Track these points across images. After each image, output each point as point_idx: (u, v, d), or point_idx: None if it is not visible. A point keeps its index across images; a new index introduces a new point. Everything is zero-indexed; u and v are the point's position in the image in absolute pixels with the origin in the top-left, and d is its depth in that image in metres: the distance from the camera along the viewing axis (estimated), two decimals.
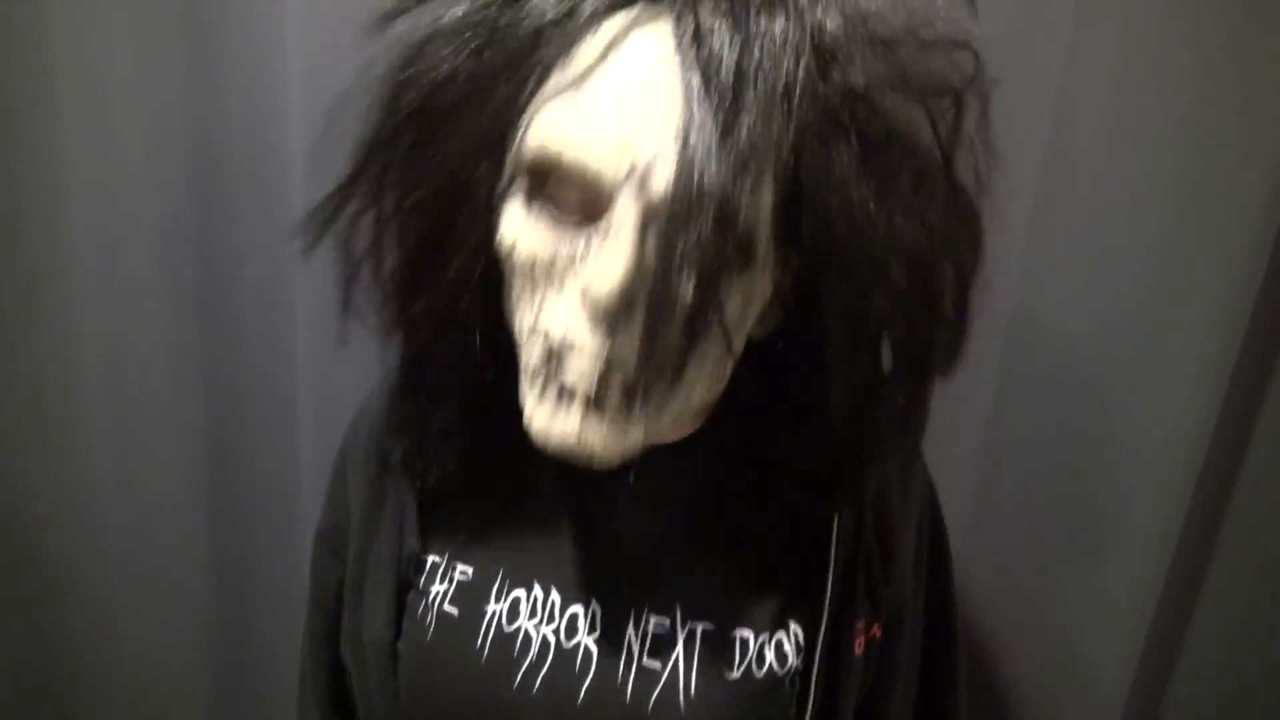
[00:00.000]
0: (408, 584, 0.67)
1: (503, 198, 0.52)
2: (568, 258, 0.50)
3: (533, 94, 0.50)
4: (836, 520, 0.63)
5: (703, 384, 0.53)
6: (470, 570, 0.65)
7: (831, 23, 0.48)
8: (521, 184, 0.51)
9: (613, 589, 0.63)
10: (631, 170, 0.46)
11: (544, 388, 0.52)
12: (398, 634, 0.66)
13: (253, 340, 1.04)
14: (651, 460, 0.62)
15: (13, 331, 1.01)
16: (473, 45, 0.51)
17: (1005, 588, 0.94)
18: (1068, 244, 0.83)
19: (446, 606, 0.64)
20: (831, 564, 0.63)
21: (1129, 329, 0.83)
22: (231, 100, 0.95)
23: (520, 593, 0.64)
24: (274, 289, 1.01)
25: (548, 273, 0.51)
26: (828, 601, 0.63)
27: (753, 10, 0.46)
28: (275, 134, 0.94)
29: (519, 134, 0.50)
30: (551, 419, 0.51)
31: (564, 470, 0.64)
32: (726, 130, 0.44)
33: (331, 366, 0.98)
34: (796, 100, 0.46)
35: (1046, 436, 0.89)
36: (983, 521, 0.93)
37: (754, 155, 0.45)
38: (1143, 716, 0.92)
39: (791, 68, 0.45)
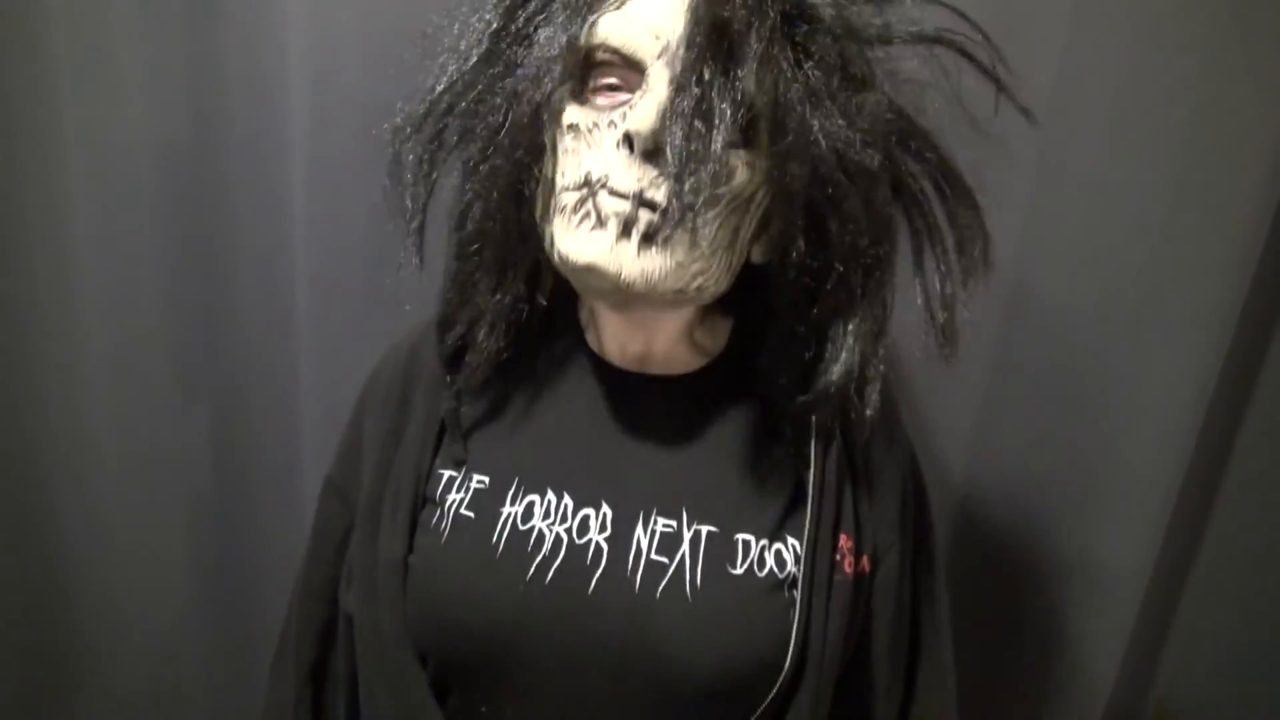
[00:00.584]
0: (424, 501, 0.70)
1: (559, 93, 0.63)
2: (608, 123, 0.61)
3: (585, 18, 0.63)
4: (814, 441, 0.68)
5: (712, 258, 0.62)
6: (487, 479, 0.69)
7: None
8: (573, 79, 0.63)
9: (623, 495, 0.67)
10: (664, 49, 0.60)
11: (580, 218, 0.60)
12: (409, 550, 0.69)
13: (254, 324, 1.05)
14: (662, 388, 0.70)
15: (14, 324, 1.01)
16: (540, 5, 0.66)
17: (1000, 551, 0.95)
18: (1066, 210, 0.85)
19: (463, 510, 0.68)
20: (812, 474, 0.67)
21: (1127, 296, 0.84)
22: (232, 82, 0.96)
23: (534, 497, 0.67)
24: (276, 268, 1.01)
25: (591, 137, 0.61)
26: (809, 512, 0.67)
27: None
28: (276, 114, 0.95)
29: (579, 38, 0.62)
30: (585, 241, 0.60)
31: (579, 393, 0.71)
32: (725, 24, 0.58)
33: (333, 353, 0.99)
34: (770, 23, 0.59)
35: (1044, 401, 0.90)
36: (980, 484, 0.95)
37: (749, 43, 0.58)
38: (1135, 680, 0.94)
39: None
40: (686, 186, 0.56)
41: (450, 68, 0.67)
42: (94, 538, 1.08)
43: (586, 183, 0.60)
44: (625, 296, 0.61)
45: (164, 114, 0.96)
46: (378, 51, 0.89)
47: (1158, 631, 0.93)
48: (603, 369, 0.72)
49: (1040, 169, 0.85)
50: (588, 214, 0.60)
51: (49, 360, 1.02)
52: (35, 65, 0.93)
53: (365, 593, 0.70)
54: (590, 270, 0.60)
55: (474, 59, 0.66)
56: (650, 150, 0.58)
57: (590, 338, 0.73)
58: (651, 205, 0.58)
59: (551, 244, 0.63)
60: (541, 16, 0.65)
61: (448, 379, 0.71)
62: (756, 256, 0.67)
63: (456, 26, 0.68)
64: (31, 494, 1.06)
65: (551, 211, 0.63)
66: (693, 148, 0.57)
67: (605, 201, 0.59)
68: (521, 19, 0.66)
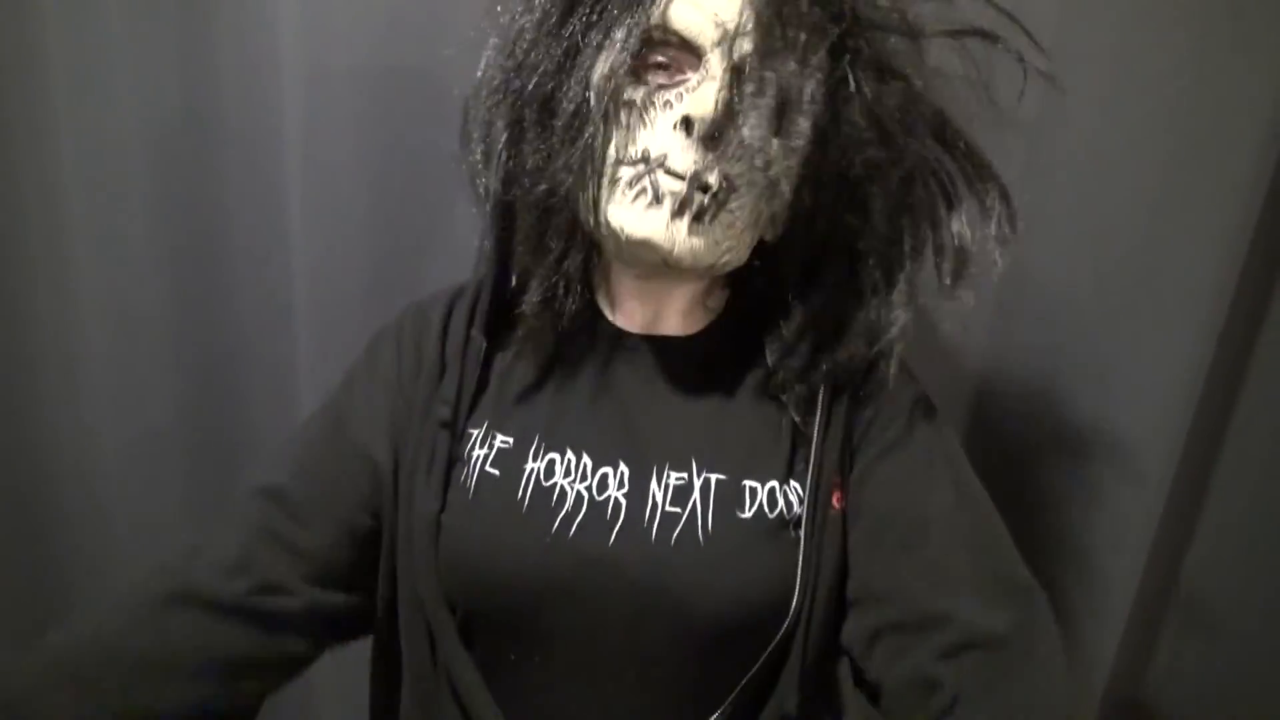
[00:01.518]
0: (456, 458, 0.74)
1: (623, 59, 0.65)
2: (664, 104, 0.65)
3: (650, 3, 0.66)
4: (820, 395, 0.72)
5: (741, 235, 0.68)
6: (510, 439, 0.73)
7: None
8: (631, 55, 0.65)
9: (637, 453, 0.71)
10: (723, 36, 0.63)
11: (637, 194, 0.64)
12: (443, 508, 0.72)
13: (251, 318, 1.04)
14: (671, 349, 0.75)
15: (11, 322, 1.02)
16: None
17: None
18: (1059, 191, 0.87)
19: (488, 468, 0.72)
20: (815, 426, 0.72)
21: (1121, 275, 0.85)
22: (225, 75, 0.96)
23: (555, 455, 0.72)
24: (272, 262, 1.01)
25: (648, 114, 0.65)
26: (813, 455, 0.71)
27: None
28: (270, 106, 0.95)
29: (644, 16, 0.65)
30: (642, 217, 0.64)
31: (594, 356, 0.76)
32: (785, 21, 0.62)
33: (331, 345, 0.99)
34: (827, 28, 0.63)
35: (1038, 384, 0.92)
36: (974, 467, 0.93)
37: (809, 40, 0.62)
38: (1133, 662, 0.95)
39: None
40: (741, 172, 0.62)
41: (523, 44, 0.69)
42: (94, 532, 1.08)
43: (644, 159, 0.64)
44: (668, 267, 0.67)
45: (157, 109, 0.96)
46: (370, 42, 0.91)
47: (1155, 614, 0.94)
48: (615, 334, 0.76)
49: (1031, 151, 0.87)
50: (644, 190, 0.64)
51: (47, 357, 1.03)
52: (29, 62, 0.93)
53: (402, 547, 0.72)
54: (644, 244, 0.65)
55: (543, 40, 0.68)
56: (707, 135, 0.62)
57: (602, 303, 0.78)
58: (705, 188, 0.63)
59: (595, 211, 0.67)
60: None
61: (484, 344, 0.75)
62: (768, 234, 0.73)
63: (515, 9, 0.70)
64: (32, 489, 1.07)
65: (603, 181, 0.66)
66: (748, 137, 0.61)
67: (663, 180, 0.64)
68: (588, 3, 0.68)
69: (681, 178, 0.63)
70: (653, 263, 0.67)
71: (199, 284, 1.02)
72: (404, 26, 0.91)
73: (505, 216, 0.73)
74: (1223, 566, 0.91)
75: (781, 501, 0.70)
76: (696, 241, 0.65)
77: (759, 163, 0.61)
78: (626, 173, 0.65)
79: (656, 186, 0.64)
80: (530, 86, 0.68)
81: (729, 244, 0.67)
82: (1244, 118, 0.77)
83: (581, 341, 0.77)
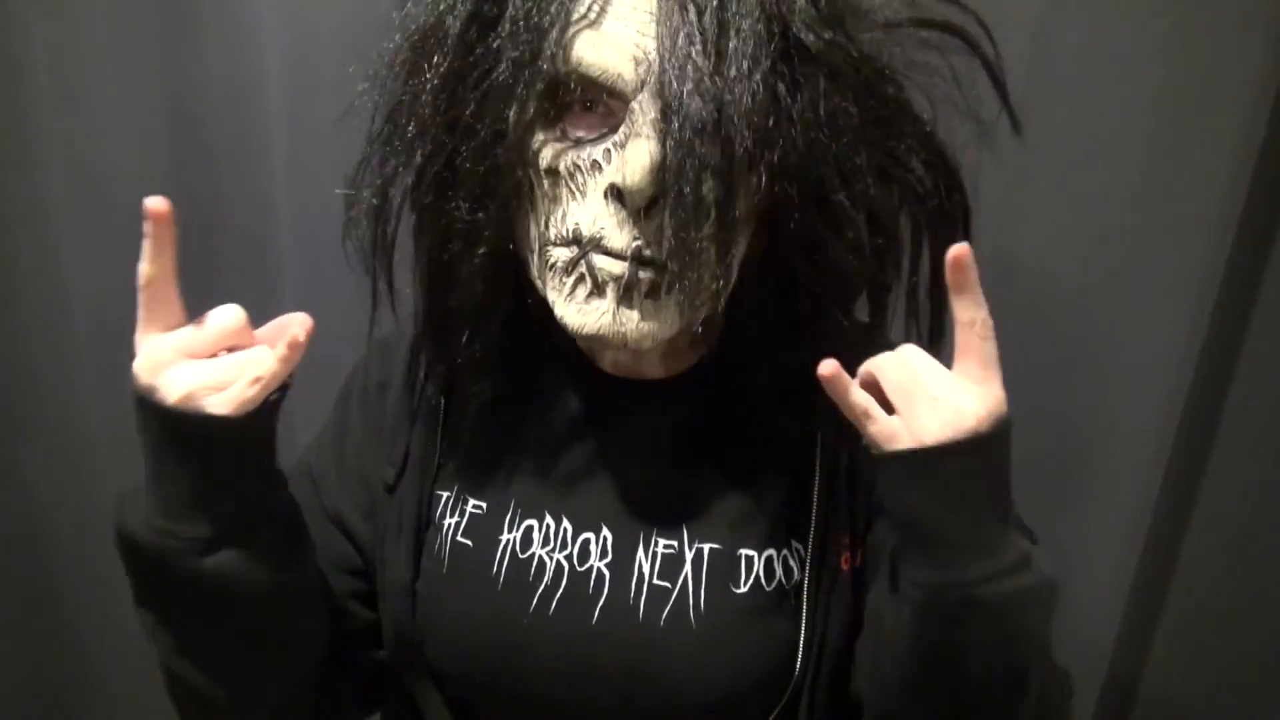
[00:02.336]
0: (427, 523, 0.69)
1: (528, 126, 0.56)
2: (590, 165, 0.55)
3: (554, 29, 0.55)
4: (819, 442, 0.66)
5: (711, 285, 0.57)
6: (484, 504, 0.68)
7: None
8: (544, 110, 0.56)
9: (622, 517, 0.66)
10: (647, 76, 0.53)
11: (575, 283, 0.57)
12: (416, 575, 0.68)
13: (235, 281, 1.01)
14: (652, 396, 0.68)
15: (4, 337, 1.01)
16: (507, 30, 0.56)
17: None
18: (1047, 174, 0.85)
19: (460, 538, 0.67)
20: (816, 480, 0.66)
21: (1108, 261, 0.84)
22: (211, 81, 0.95)
23: (532, 522, 0.66)
24: (260, 265, 1.00)
25: (573, 182, 0.56)
26: (814, 514, 0.65)
27: None
28: (254, 108, 0.95)
29: (545, 64, 0.54)
30: (584, 311, 0.56)
31: (571, 406, 0.69)
32: (721, 48, 0.52)
33: (322, 355, 0.95)
34: (772, 27, 0.53)
35: (1028, 372, 0.86)
36: None
37: (747, 66, 0.52)
38: (1132, 648, 0.95)
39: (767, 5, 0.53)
40: (694, 242, 0.53)
41: (402, 117, 0.61)
42: (88, 542, 1.08)
43: (576, 239, 0.56)
44: (634, 352, 0.59)
45: (143, 122, 0.95)
46: (355, 56, 0.85)
47: (1152, 602, 0.94)
48: (593, 377, 0.69)
49: (1015, 143, 0.81)
50: (582, 278, 0.56)
51: (41, 371, 1.02)
52: (13, 82, 0.93)
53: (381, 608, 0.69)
54: (595, 339, 0.57)
55: (429, 106, 0.59)
56: (640, 208, 0.54)
57: (580, 347, 0.70)
58: (650, 263, 0.55)
59: (545, 297, 0.59)
60: (499, 46, 0.56)
61: (443, 400, 0.70)
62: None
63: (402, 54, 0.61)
64: (27, 499, 1.06)
65: (541, 264, 0.59)
66: (696, 199, 0.52)
67: (600, 263, 0.55)
68: (479, 52, 0.57)
69: (622, 257, 0.55)
70: (612, 350, 0.60)
71: (190, 294, 0.99)
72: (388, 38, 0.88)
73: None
74: (1217, 560, 0.91)
75: (780, 570, 0.65)
76: (652, 325, 0.57)
77: (708, 227, 0.53)
78: (560, 255, 0.57)
79: (595, 273, 0.55)
80: (434, 166, 0.59)
81: (700, 300, 0.57)
82: (1226, 106, 0.76)
83: (557, 387, 0.70)
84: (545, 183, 0.57)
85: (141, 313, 0.52)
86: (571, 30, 0.54)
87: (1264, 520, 0.87)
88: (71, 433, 1.05)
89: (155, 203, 0.51)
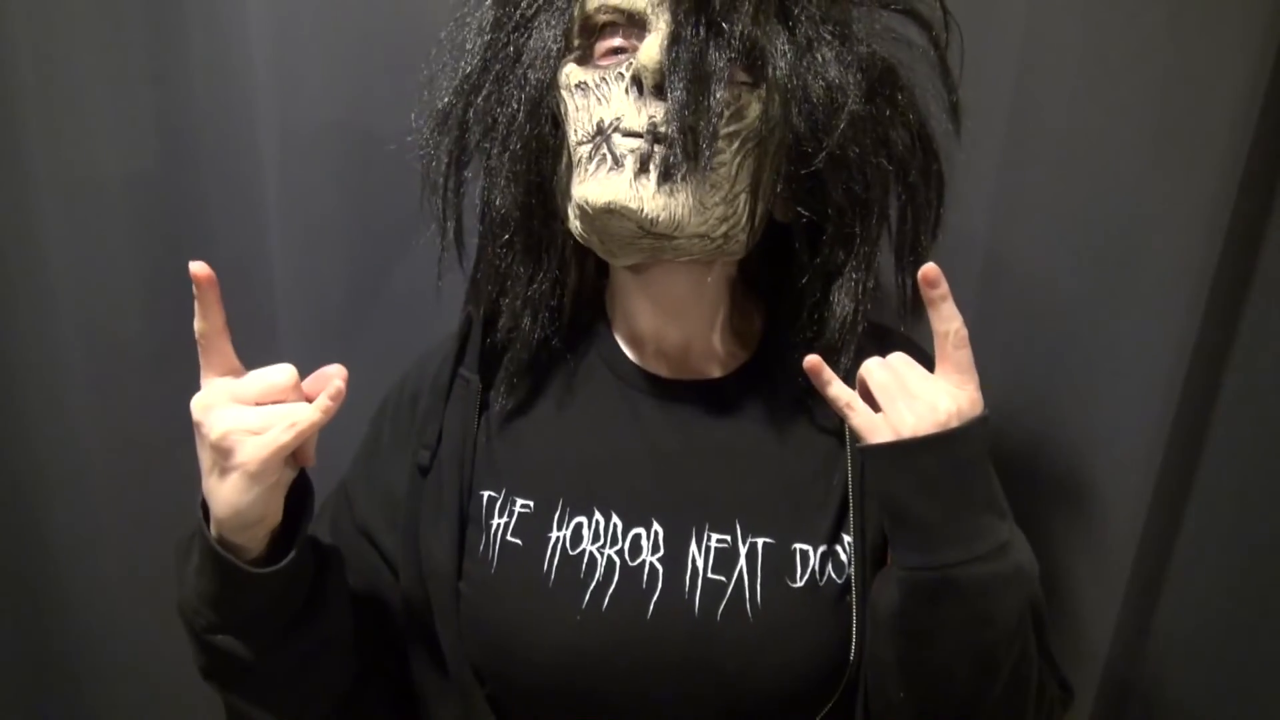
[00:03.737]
0: (466, 522, 0.68)
1: (560, 51, 0.64)
2: (615, 76, 0.61)
3: None
4: (849, 439, 0.67)
5: (735, 201, 0.62)
6: (531, 503, 0.67)
7: None
8: (578, 48, 0.64)
9: (673, 510, 0.66)
10: (661, 1, 0.60)
11: (597, 164, 0.60)
12: (458, 574, 0.67)
13: (232, 325, 1.01)
14: (703, 394, 0.69)
15: None
16: None
17: None
18: (1036, 178, 0.85)
19: (509, 538, 0.66)
20: (849, 477, 0.67)
21: (1100, 261, 0.84)
22: (199, 104, 0.95)
23: (582, 519, 0.66)
24: (252, 272, 1.00)
25: (598, 90, 0.62)
26: (851, 509, 0.66)
27: None
28: (242, 109, 0.94)
29: (575, 8, 0.64)
30: (603, 183, 0.59)
31: (616, 405, 0.69)
32: None
33: (313, 352, 0.97)
34: None
35: (1021, 372, 0.91)
36: None
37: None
38: (1128, 651, 0.95)
39: None
40: (692, 111, 0.57)
41: (457, 68, 0.68)
42: (79, 542, 1.07)
43: (599, 130, 0.60)
44: (652, 239, 0.60)
45: (132, 142, 0.95)
46: (342, 71, 0.90)
47: (1149, 597, 0.94)
48: (640, 377, 0.70)
49: (1009, 139, 0.86)
50: (604, 158, 0.60)
51: (34, 386, 1.01)
52: (4, 112, 0.92)
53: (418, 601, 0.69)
54: (611, 210, 0.59)
55: (478, 55, 0.67)
56: (659, 84, 0.58)
57: (624, 344, 0.71)
58: (666, 139, 0.58)
59: (572, 208, 0.63)
60: (537, 0, 0.65)
61: (481, 384, 0.70)
62: (779, 215, 0.67)
63: (455, 28, 0.68)
64: (14, 500, 1.04)
65: (572, 176, 0.63)
66: (697, 71, 0.57)
67: (619, 142, 0.59)
68: (518, 7, 0.66)
69: (638, 134, 0.59)
70: (631, 234, 0.61)
71: (180, 338, 0.98)
72: (374, 79, 0.91)
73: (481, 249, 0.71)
74: (1213, 555, 0.91)
75: (831, 565, 0.65)
76: (670, 200, 0.59)
77: (712, 100, 0.58)
78: (585, 150, 0.61)
79: (614, 149, 0.60)
80: (476, 114, 0.67)
81: (721, 211, 0.62)
82: (1218, 103, 0.76)
83: (604, 388, 0.70)
84: (576, 96, 0.62)
85: (201, 360, 0.58)
86: None
87: (1255, 526, 0.88)
88: (62, 442, 1.03)
89: (198, 268, 0.56)
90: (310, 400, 0.57)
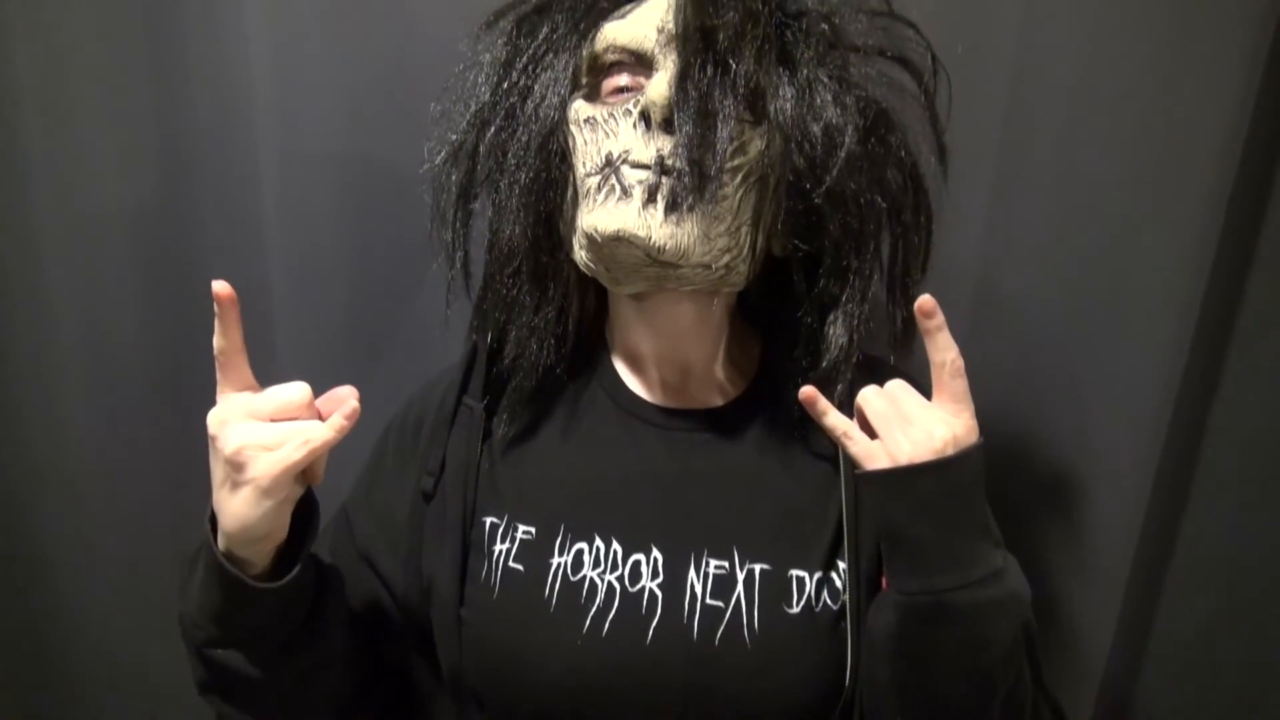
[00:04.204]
0: (469, 546, 0.69)
1: (575, 101, 0.67)
2: (623, 111, 0.64)
3: (588, 25, 0.67)
4: (843, 464, 0.68)
5: (737, 233, 0.64)
6: (533, 529, 0.68)
7: None
8: (584, 84, 0.67)
9: (672, 537, 0.67)
10: (670, 38, 0.63)
11: (606, 194, 0.62)
12: (460, 600, 0.68)
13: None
14: (702, 421, 0.70)
15: None
16: (549, 29, 0.69)
17: None
18: (1026, 207, 0.87)
19: (511, 564, 0.67)
20: (843, 494, 0.68)
21: (1091, 288, 0.85)
22: (200, 138, 0.96)
23: (582, 545, 0.67)
24: (252, 300, 0.97)
25: (606, 125, 0.64)
26: (846, 536, 0.67)
27: None
28: (242, 139, 0.95)
29: (584, 48, 0.66)
30: (612, 212, 0.61)
31: (617, 433, 0.71)
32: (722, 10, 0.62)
33: (312, 380, 0.98)
34: (764, 18, 0.63)
35: (1014, 399, 0.91)
36: None
37: (748, 26, 0.62)
38: (1125, 670, 0.96)
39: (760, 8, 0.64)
40: (700, 145, 0.59)
41: (469, 104, 0.70)
42: (71, 545, 1.07)
43: (608, 162, 0.62)
44: (658, 268, 0.62)
45: (133, 171, 0.95)
46: (342, 101, 0.91)
47: (1144, 619, 0.95)
48: (640, 406, 0.72)
49: (999, 169, 0.87)
50: (612, 189, 0.62)
51: (34, 410, 1.02)
52: (5, 145, 0.93)
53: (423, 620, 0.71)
54: (619, 238, 0.61)
55: (489, 91, 0.69)
56: (667, 119, 0.61)
57: (625, 373, 0.73)
58: (673, 171, 0.61)
59: (579, 239, 0.65)
60: (548, 40, 0.68)
61: (485, 412, 0.72)
62: (777, 249, 0.69)
63: (468, 65, 0.71)
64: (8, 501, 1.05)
65: (578, 208, 0.65)
66: (705, 108, 0.60)
67: (627, 173, 0.62)
68: (529, 46, 0.69)
69: (647, 166, 0.61)
70: (637, 262, 0.63)
71: (179, 366, 1.02)
72: (374, 109, 0.92)
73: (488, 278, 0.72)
74: (1205, 579, 0.92)
75: (827, 591, 0.67)
76: (676, 230, 0.61)
77: (719, 134, 0.60)
78: (593, 181, 0.63)
79: (623, 180, 0.62)
80: (486, 149, 0.69)
81: (724, 243, 0.64)
82: (1204, 134, 0.78)
83: (605, 416, 0.72)
84: (584, 131, 0.65)
85: (219, 376, 0.59)
86: (606, 22, 0.66)
87: (1249, 543, 0.88)
88: (62, 470, 1.04)
89: (220, 286, 0.57)
90: (323, 419, 0.58)
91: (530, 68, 0.68)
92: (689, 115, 0.60)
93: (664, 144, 0.61)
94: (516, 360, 0.71)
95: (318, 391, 0.61)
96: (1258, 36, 0.73)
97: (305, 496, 0.61)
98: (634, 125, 0.62)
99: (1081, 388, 0.88)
